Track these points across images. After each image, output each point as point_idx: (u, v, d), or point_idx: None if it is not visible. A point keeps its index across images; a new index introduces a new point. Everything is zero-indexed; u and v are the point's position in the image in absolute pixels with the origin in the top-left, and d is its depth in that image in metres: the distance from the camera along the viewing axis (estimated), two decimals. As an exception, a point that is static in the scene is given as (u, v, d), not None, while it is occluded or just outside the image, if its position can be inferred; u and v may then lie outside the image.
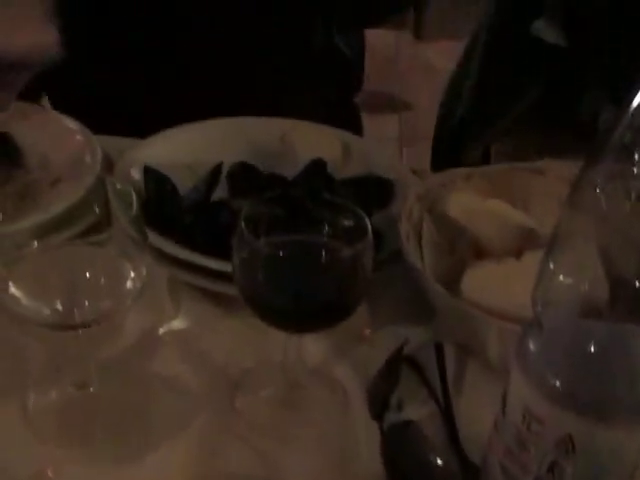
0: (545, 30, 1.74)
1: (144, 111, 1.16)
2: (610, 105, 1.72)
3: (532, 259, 0.83)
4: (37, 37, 0.91)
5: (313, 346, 0.82)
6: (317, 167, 0.94)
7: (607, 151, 0.60)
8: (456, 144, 1.81)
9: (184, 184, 0.96)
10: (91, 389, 0.78)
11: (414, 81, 3.37)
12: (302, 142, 1.01)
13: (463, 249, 0.89)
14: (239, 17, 1.02)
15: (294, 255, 0.69)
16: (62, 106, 1.17)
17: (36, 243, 0.70)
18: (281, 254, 0.68)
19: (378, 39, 2.56)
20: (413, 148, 2.93)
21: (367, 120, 1.39)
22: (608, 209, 0.61)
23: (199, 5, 1.01)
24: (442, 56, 3.35)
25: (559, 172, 0.94)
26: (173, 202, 0.91)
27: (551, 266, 0.63)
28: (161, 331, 0.85)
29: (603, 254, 0.63)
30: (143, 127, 1.03)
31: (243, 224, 0.67)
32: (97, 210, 0.78)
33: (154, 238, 0.83)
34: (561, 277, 0.63)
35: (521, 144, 1.78)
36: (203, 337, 0.85)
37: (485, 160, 1.83)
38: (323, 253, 0.72)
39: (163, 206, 0.90)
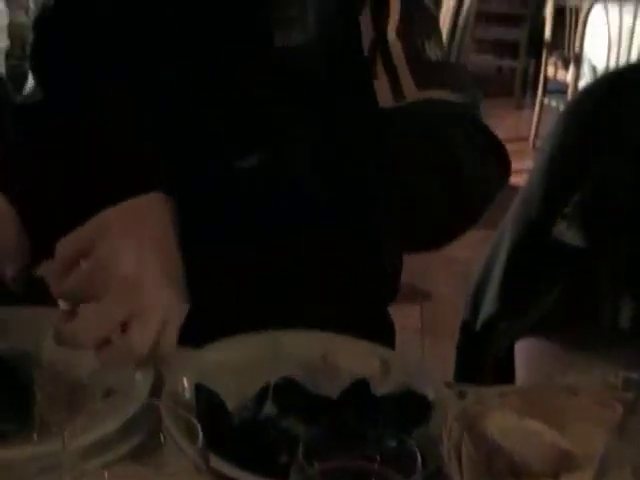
0: (566, 232, 1.81)
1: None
2: (632, 303, 1.77)
3: (569, 482, 0.87)
4: None
5: None
6: (359, 387, 0.99)
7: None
8: (481, 347, 1.85)
9: (230, 398, 1.01)
10: None
11: (435, 271, 3.44)
12: (342, 358, 1.07)
13: (500, 468, 0.92)
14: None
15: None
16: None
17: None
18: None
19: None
20: (435, 339, 2.97)
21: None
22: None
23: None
24: (462, 246, 3.43)
25: (592, 393, 0.98)
26: (223, 420, 0.95)
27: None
28: None
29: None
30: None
31: (301, 455, 0.71)
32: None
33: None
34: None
35: (545, 341, 1.82)
36: None
37: (509, 358, 1.86)
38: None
39: (214, 424, 0.94)
